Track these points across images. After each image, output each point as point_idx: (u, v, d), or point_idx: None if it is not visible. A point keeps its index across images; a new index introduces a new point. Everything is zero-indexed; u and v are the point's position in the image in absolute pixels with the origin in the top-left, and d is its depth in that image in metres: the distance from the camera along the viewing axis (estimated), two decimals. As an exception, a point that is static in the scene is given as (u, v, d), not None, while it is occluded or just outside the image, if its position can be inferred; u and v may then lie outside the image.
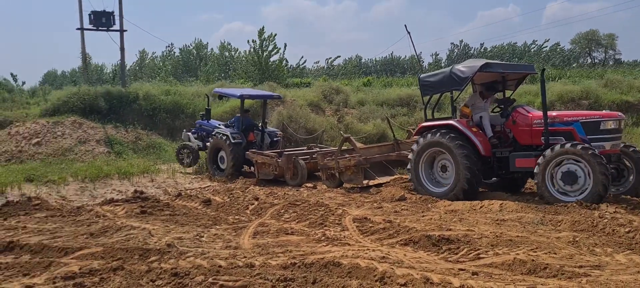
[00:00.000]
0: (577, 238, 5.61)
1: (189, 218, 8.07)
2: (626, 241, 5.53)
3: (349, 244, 6.06)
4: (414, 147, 9.82)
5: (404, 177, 11.53)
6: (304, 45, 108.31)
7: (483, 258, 5.19)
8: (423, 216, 7.44)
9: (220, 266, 5.25)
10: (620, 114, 8.83)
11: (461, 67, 9.44)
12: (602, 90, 21.69)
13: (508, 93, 10.14)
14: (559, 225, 6.47)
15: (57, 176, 12.40)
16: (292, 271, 5.01)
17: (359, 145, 11.73)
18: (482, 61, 9.28)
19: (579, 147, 7.83)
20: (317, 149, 13.27)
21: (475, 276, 4.69)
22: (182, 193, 10.50)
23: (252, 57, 32.40)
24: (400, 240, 5.93)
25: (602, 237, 5.77)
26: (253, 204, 8.88)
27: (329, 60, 50.20)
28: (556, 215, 6.98)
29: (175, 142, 19.02)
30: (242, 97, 14.40)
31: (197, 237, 6.73)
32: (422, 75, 10.35)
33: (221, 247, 6.19)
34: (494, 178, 10.13)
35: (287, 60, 33.93)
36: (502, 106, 9.80)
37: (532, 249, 5.31)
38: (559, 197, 7.94)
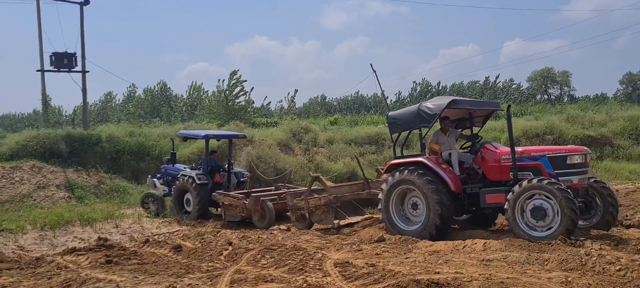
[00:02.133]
0: (570, 279, 5.45)
1: (159, 267, 7.60)
2: (619, 280, 5.40)
3: (332, 291, 5.74)
4: (384, 185, 9.69)
5: (374, 216, 11.33)
6: (268, 85, 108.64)
7: (476, 303, 4.96)
8: (406, 258, 7.18)
9: (197, 320, 4.86)
10: (586, 148, 8.91)
11: (429, 104, 9.45)
12: (565, 125, 22.21)
13: (476, 130, 10.23)
14: (546, 264, 6.31)
15: (15, 224, 11.69)
16: (276, 324, 4.67)
17: (328, 184, 11.52)
18: (449, 98, 9.33)
19: (546, 182, 7.84)
20: (285, 189, 12.98)
21: (471, 323, 4.44)
22: (150, 240, 9.98)
23: (219, 97, 32.17)
24: (387, 286, 5.65)
25: (593, 276, 5.62)
26: (227, 249, 8.46)
27: (289, 96, 50.15)
28: (541, 253, 6.83)
29: (140, 185, 18.40)
30: (206, 138, 14.20)
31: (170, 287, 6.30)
32: (390, 113, 10.33)
33: (196, 299, 5.78)
34: (465, 215, 10.07)
35: (253, 101, 33.92)
36: (470, 142, 9.84)
37: (524, 292, 5.11)
38: (530, 233, 7.92)
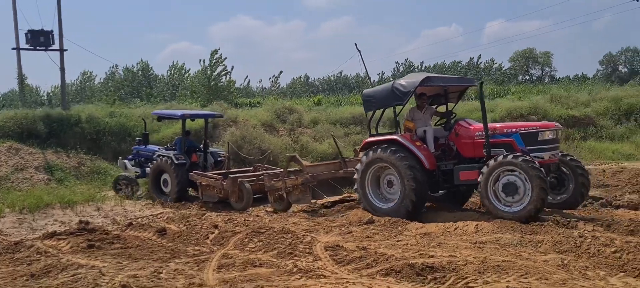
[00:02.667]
0: (565, 261, 5.36)
1: (143, 251, 7.37)
2: (616, 263, 5.32)
3: (324, 276, 5.58)
4: (359, 164, 9.68)
5: (352, 195, 11.25)
6: (251, 64, 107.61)
7: (473, 287, 4.83)
8: (398, 241, 7.05)
9: (185, 308, 4.67)
10: (557, 124, 8.98)
11: (402, 82, 9.44)
12: (549, 105, 22.24)
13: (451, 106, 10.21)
14: (540, 246, 6.23)
15: (-8, 208, 11.33)
16: (268, 311, 4.50)
17: (304, 163, 11.41)
18: (423, 75, 9.29)
19: (519, 158, 7.88)
20: (263, 170, 12.80)
21: (468, 308, 4.32)
22: (133, 223, 9.70)
23: (201, 77, 31.65)
24: (381, 270, 5.51)
25: (589, 259, 5.55)
26: (213, 233, 8.25)
27: (273, 78, 49.78)
28: (534, 235, 6.76)
29: (122, 167, 18.03)
30: (183, 117, 13.85)
31: (155, 273, 6.07)
32: (365, 91, 10.32)
33: (184, 285, 5.58)
34: (441, 191, 10.05)
35: (235, 81, 33.44)
36: (445, 119, 9.83)
37: (522, 275, 5.00)
38: (502, 209, 8.01)
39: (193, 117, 14.76)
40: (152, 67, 45.08)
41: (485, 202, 8.19)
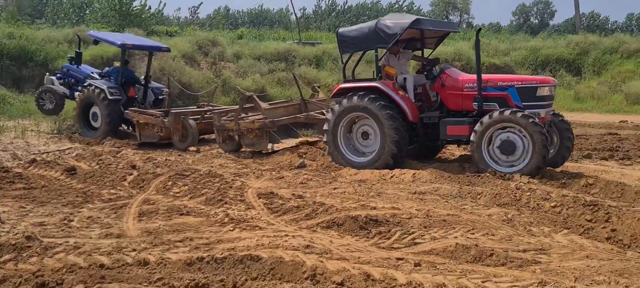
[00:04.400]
0: (510, 216, 5.25)
1: (51, 193, 6.57)
2: (558, 218, 5.28)
3: (260, 227, 5.14)
4: (331, 112, 8.69)
5: (309, 139, 10.66)
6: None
7: (420, 243, 4.58)
8: (334, 189, 6.71)
9: (102, 265, 4.08)
10: (554, 79, 8.37)
11: (388, 22, 8.40)
12: (472, 51, 22.59)
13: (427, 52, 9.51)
14: (479, 198, 6.12)
15: None
16: (201, 270, 4.00)
17: (263, 105, 10.51)
18: (412, 17, 8.41)
19: (520, 115, 7.27)
20: (209, 108, 11.83)
21: (418, 268, 4.05)
22: (37, 159, 8.70)
23: (111, 1, 29.16)
24: (321, 223, 5.14)
25: (531, 213, 5.47)
26: (131, 174, 7.52)
27: (192, 8, 47.20)
28: (473, 186, 6.66)
29: (23, 95, 16.39)
30: (123, 47, 12.14)
31: (65, 221, 5.39)
32: (341, 30, 9.19)
33: (100, 236, 4.94)
34: (411, 146, 9.02)
35: (150, 6, 31.17)
36: (427, 66, 8.98)
37: (468, 231, 4.82)
38: (495, 167, 7.40)
39: (136, 48, 13.19)
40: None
41: (478, 160, 7.53)
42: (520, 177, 6.87)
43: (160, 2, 60.17)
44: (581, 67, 22.41)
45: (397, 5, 57.86)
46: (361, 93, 8.31)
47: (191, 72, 18.09)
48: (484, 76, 8.09)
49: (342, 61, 9.17)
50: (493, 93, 7.97)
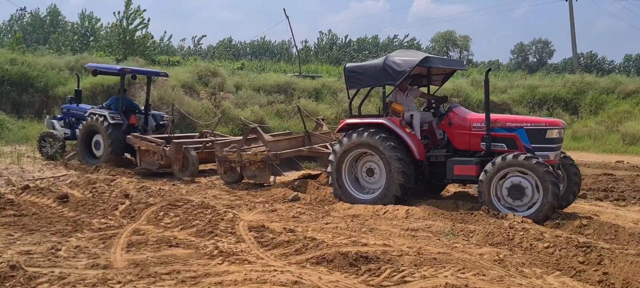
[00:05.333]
0: (501, 256, 5.18)
1: (41, 221, 6.52)
2: (550, 259, 5.21)
3: (249, 261, 5.07)
4: (337, 146, 8.56)
5: (312, 172, 10.57)
6: (172, 20, 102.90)
7: (410, 282, 4.52)
8: (326, 224, 6.66)
9: (86, 297, 4.02)
10: (562, 122, 8.19)
11: (397, 60, 8.32)
12: (471, 88, 22.77)
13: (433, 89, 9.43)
14: (472, 237, 6.07)
15: None
16: (185, 304, 3.95)
17: (267, 137, 10.45)
18: (421, 54, 8.37)
19: (533, 161, 7.08)
20: (211, 138, 11.80)
21: (406, 306, 4.00)
22: (30, 185, 8.69)
23: (116, 29, 29.48)
24: (311, 258, 5.08)
25: (524, 254, 5.41)
26: (123, 203, 7.47)
27: (196, 39, 47.74)
28: (466, 224, 6.60)
29: (22, 120, 16.42)
30: (122, 73, 12.29)
31: (52, 250, 5.32)
32: (349, 66, 9.03)
33: (86, 266, 4.87)
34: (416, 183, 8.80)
35: (152, 36, 31.47)
36: (434, 104, 8.92)
37: (459, 270, 4.76)
38: (505, 212, 7.15)
39: (134, 74, 13.26)
40: (63, 15, 41.81)
41: (487, 203, 7.30)
42: (514, 216, 6.81)
43: (165, 32, 60.80)
44: (578, 107, 22.53)
45: (396, 40, 58.54)
46: (370, 130, 8.21)
47: (190, 101, 18.18)
48: (493, 116, 7.92)
49: (348, 96, 9.14)
50: (502, 133, 7.82)
